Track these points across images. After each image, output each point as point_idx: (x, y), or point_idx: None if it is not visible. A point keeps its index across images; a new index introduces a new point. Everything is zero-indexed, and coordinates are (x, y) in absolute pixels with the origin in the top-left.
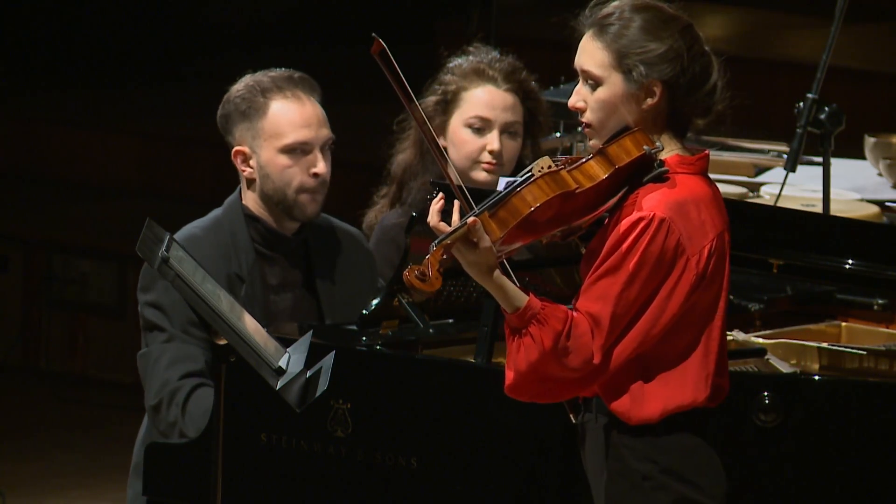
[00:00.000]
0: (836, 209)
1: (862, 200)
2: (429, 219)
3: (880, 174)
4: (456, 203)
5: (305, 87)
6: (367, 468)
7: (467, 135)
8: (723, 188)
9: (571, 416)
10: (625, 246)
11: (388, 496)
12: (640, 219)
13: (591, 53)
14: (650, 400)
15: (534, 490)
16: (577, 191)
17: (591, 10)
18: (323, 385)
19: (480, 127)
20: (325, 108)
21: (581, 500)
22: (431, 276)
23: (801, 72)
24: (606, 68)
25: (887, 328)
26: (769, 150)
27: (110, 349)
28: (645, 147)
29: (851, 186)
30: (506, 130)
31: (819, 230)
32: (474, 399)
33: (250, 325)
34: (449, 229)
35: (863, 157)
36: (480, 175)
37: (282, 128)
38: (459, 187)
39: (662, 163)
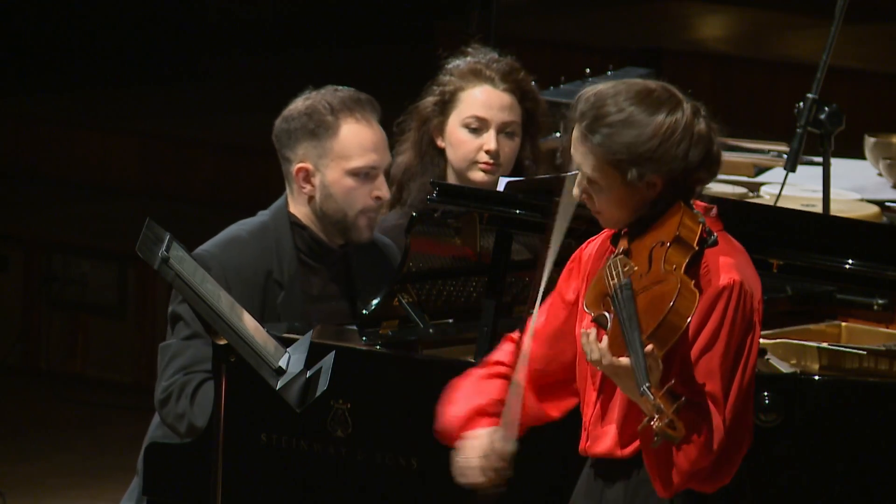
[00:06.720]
0: (836, 209)
1: (862, 200)
2: (601, 359)
3: (880, 174)
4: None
5: (372, 109)
6: (367, 468)
7: (464, 135)
8: (723, 188)
9: None
10: (715, 318)
11: (388, 496)
12: (724, 288)
13: (584, 155)
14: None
15: (533, 490)
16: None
17: (579, 101)
18: (323, 385)
19: (477, 127)
20: None
21: None
22: (676, 420)
23: (801, 72)
24: (601, 171)
25: (887, 328)
26: (769, 150)
27: (110, 349)
28: (700, 218)
29: (851, 186)
30: (502, 130)
31: (819, 230)
32: None
33: (250, 325)
34: (627, 363)
35: (863, 157)
36: (478, 175)
37: (352, 150)
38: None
39: (708, 227)
